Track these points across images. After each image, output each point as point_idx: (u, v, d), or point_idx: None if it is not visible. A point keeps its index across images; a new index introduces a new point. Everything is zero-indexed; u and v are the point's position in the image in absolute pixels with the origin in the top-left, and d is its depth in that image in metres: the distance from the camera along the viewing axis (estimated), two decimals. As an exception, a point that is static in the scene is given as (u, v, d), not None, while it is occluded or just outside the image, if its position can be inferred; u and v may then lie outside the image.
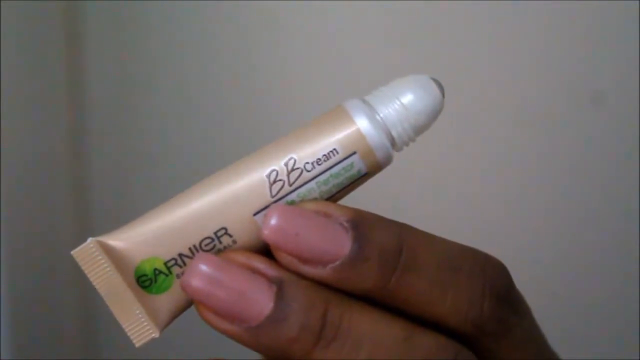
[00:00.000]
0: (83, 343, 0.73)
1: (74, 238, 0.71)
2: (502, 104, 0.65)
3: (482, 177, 0.66)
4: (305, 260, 0.25)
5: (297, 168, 0.26)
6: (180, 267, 0.26)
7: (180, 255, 0.26)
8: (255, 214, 0.26)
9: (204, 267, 0.25)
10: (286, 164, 0.26)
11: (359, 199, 0.28)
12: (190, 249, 0.26)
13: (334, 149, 0.26)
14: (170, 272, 0.26)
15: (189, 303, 0.27)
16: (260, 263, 0.25)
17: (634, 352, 0.62)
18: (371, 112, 0.27)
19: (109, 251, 0.26)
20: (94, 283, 0.26)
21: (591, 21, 0.62)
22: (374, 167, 0.27)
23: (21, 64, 0.65)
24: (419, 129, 0.27)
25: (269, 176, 0.26)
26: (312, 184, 0.26)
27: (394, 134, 0.27)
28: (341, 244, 0.25)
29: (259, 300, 0.25)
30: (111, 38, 0.71)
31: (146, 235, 0.26)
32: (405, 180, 0.63)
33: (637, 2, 0.60)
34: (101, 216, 0.73)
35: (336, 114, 0.27)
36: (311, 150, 0.26)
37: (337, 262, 0.25)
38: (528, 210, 0.66)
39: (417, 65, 0.65)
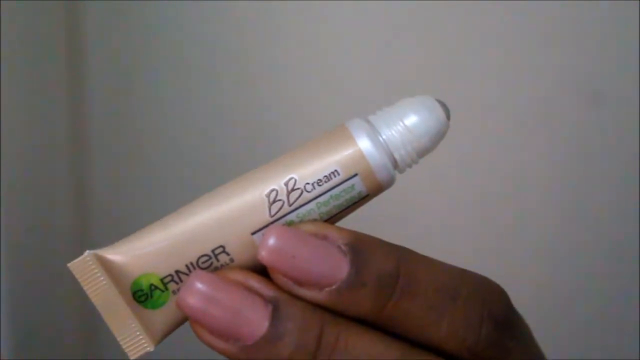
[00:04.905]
0: (83, 343, 0.73)
1: (74, 238, 0.71)
2: (502, 105, 0.65)
3: (480, 176, 0.66)
4: (301, 283, 0.25)
5: (297, 188, 0.26)
6: (177, 283, 0.26)
7: (177, 272, 0.26)
8: (253, 233, 0.26)
9: (199, 285, 0.25)
10: (286, 184, 0.26)
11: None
12: (187, 266, 0.26)
13: (335, 170, 0.26)
14: (167, 289, 0.26)
15: (185, 319, 0.26)
16: (256, 282, 0.25)
17: (634, 353, 0.62)
18: (374, 134, 0.26)
19: (105, 265, 0.26)
20: (90, 296, 0.26)
21: (591, 21, 0.62)
22: (375, 189, 0.26)
23: (21, 64, 0.65)
24: (422, 152, 0.27)
25: (268, 195, 0.26)
26: (312, 204, 0.26)
27: (397, 156, 0.26)
28: (338, 268, 0.25)
29: (255, 319, 0.24)
30: (111, 38, 0.71)
31: (143, 250, 0.26)
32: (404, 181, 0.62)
33: (637, 2, 0.60)
34: (101, 216, 0.73)
35: (338, 134, 0.26)
36: (312, 170, 0.26)
37: (334, 286, 0.25)
38: (528, 210, 0.66)
39: (417, 66, 0.65)
